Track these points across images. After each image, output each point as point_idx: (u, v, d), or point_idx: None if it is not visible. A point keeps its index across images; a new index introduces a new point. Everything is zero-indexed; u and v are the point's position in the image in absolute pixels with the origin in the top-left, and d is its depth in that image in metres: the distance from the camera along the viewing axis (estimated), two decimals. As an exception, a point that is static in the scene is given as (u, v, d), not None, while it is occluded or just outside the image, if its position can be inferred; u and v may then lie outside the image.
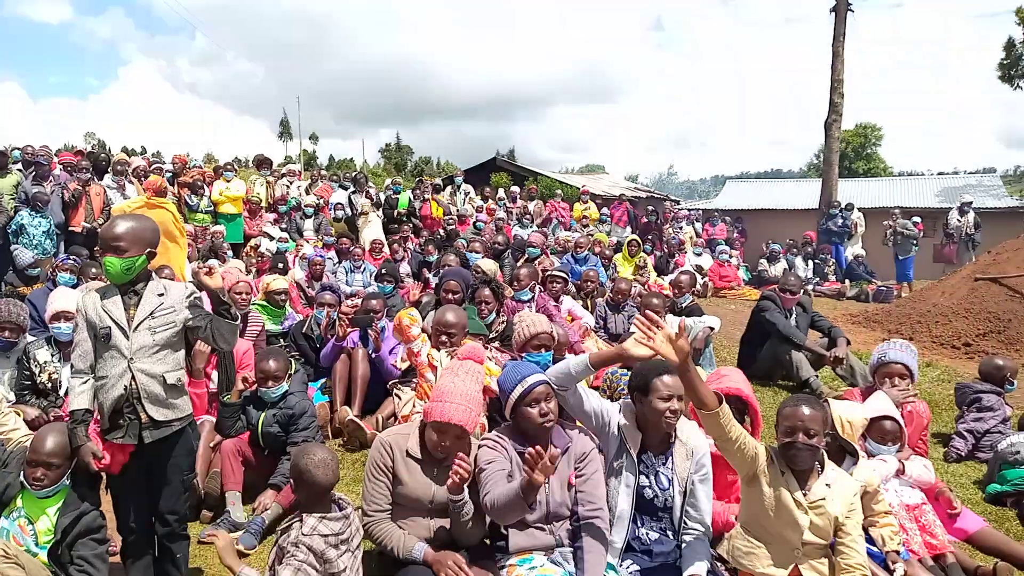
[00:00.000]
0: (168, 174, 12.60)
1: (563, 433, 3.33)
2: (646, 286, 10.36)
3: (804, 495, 3.07)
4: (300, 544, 2.90)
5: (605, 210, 16.48)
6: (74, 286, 6.81)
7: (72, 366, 3.12)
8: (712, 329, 6.26)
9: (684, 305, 7.17)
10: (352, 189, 13.94)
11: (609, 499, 3.30)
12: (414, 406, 4.59)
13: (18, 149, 11.90)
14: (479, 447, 3.34)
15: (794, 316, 6.81)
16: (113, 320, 3.09)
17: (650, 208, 18.92)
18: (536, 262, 9.15)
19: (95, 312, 3.09)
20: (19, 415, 4.77)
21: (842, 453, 3.82)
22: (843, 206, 17.01)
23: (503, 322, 6.04)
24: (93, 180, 10.58)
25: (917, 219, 15.62)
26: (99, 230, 3.15)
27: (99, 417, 3.18)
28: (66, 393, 4.99)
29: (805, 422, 3.00)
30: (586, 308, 7.77)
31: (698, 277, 7.45)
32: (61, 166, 10.90)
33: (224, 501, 4.36)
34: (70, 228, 10.09)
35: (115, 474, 3.20)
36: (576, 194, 17.65)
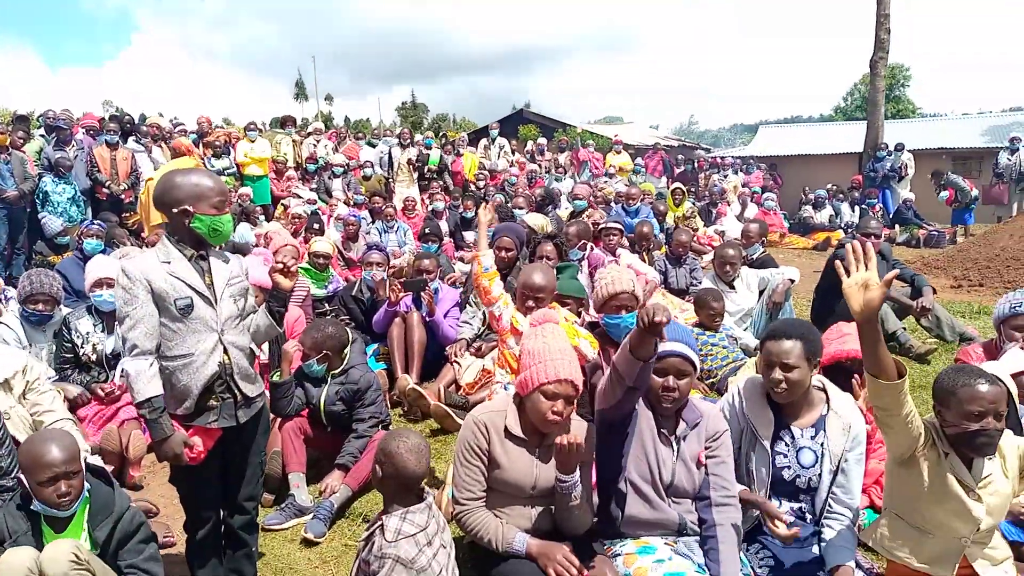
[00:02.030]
0: (193, 135, 12.25)
1: (694, 406, 2.94)
2: (695, 237, 9.86)
3: (970, 474, 2.63)
4: (387, 557, 2.53)
5: (639, 160, 15.89)
6: (102, 252, 6.49)
7: (131, 346, 2.66)
8: (792, 281, 5.80)
9: (756, 256, 6.68)
10: (395, 143, 13.46)
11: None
12: (487, 375, 4.20)
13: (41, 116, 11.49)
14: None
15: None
16: (193, 289, 2.70)
17: (680, 157, 18.29)
18: (585, 216, 8.67)
19: (164, 281, 2.66)
20: (57, 394, 4.47)
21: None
22: (894, 146, 16.23)
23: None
24: (120, 144, 10.27)
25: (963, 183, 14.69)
26: (203, 183, 2.75)
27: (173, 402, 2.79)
28: (122, 374, 4.66)
29: (996, 403, 2.52)
30: (643, 262, 7.30)
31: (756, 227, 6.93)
32: (83, 130, 10.50)
33: (286, 483, 4.03)
34: (96, 195, 9.81)
35: (194, 465, 2.80)
36: (608, 145, 17.04)
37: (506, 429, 2.88)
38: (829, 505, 2.93)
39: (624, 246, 7.48)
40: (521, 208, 8.59)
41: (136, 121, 11.39)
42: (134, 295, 2.65)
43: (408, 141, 13.74)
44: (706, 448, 2.89)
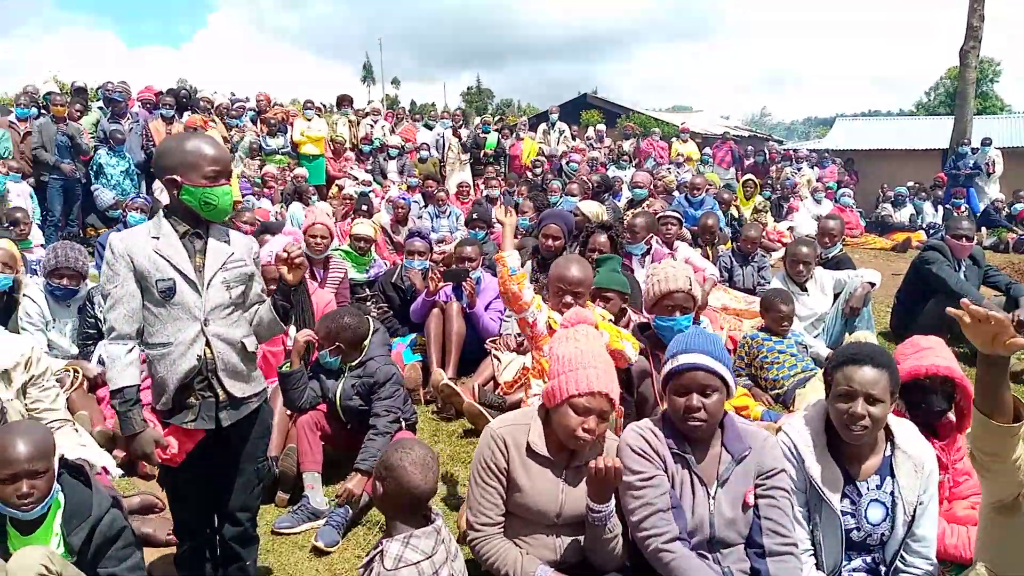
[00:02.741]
0: (252, 112, 12.16)
1: (739, 435, 2.49)
2: (764, 233, 9.24)
3: None
4: None
5: (707, 150, 15.22)
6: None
7: (109, 328, 2.42)
8: (872, 285, 5.23)
9: (831, 255, 6.10)
10: (445, 128, 13.17)
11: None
12: (525, 374, 3.81)
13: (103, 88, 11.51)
14: (623, 439, 2.55)
15: (963, 269, 5.67)
16: (177, 270, 2.41)
17: (751, 148, 17.48)
18: (645, 205, 8.18)
19: (147, 259, 2.39)
20: (77, 374, 4.27)
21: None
22: (980, 142, 15.14)
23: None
24: (176, 118, 10.23)
25: None
26: (196, 150, 2.44)
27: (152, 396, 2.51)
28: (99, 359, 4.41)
29: None
30: (706, 258, 6.78)
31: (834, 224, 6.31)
32: (139, 103, 10.48)
33: (302, 482, 3.72)
34: (151, 169, 9.78)
35: (175, 467, 2.54)
36: (673, 132, 16.39)
37: (528, 446, 2.49)
38: (902, 557, 2.47)
39: (684, 239, 6.99)
40: (574, 195, 8.12)
41: (191, 95, 11.30)
42: (115, 272, 2.40)
43: (460, 123, 13.41)
44: (756, 486, 2.44)
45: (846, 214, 12.53)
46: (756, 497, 2.43)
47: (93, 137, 9.47)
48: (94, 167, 9.03)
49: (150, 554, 3.17)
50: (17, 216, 6.51)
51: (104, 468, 3.40)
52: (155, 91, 10.95)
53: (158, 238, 2.43)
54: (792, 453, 2.57)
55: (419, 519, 2.35)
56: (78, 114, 9.46)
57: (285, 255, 2.55)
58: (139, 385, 2.43)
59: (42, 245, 7.36)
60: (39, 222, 8.18)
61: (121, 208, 7.94)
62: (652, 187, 9.64)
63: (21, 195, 8.24)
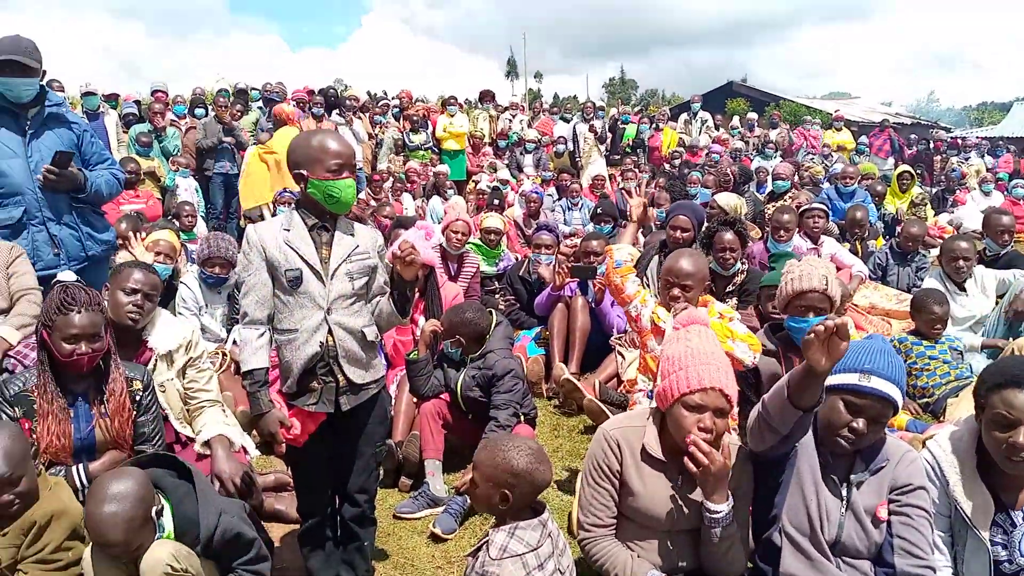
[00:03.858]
0: (395, 109, 12.61)
1: (876, 445, 2.30)
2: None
3: None
4: None
5: (863, 139, 14.26)
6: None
7: (243, 313, 2.58)
8: (1043, 287, 4.70)
9: (1003, 253, 5.51)
10: (576, 120, 13.13)
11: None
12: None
13: (256, 89, 12.30)
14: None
15: None
16: (304, 261, 2.53)
17: (913, 136, 16.20)
18: (788, 197, 7.76)
19: (278, 249, 2.52)
20: (225, 356, 4.58)
21: None
22: None
23: (745, 271, 4.96)
24: (325, 116, 10.78)
25: None
26: (321, 145, 2.56)
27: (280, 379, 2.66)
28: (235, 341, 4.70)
29: None
30: (854, 254, 6.35)
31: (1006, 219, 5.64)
32: (294, 103, 11.12)
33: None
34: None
35: (298, 447, 2.67)
36: (827, 120, 15.47)
37: (643, 449, 2.41)
38: None
39: (831, 233, 6.58)
40: (708, 187, 7.83)
41: (339, 94, 11.88)
42: (250, 260, 2.55)
43: (591, 115, 13.29)
44: (890, 502, 2.24)
45: (1019, 207, 11.37)
46: (889, 514, 2.24)
47: (252, 136, 10.15)
48: (253, 163, 9.67)
49: (280, 529, 3.39)
50: (184, 209, 7.10)
51: (243, 448, 3.63)
52: (308, 90, 11.61)
53: (289, 230, 2.56)
54: (936, 473, 2.35)
55: (527, 511, 2.34)
56: (239, 113, 10.16)
57: (400, 252, 2.60)
58: (267, 368, 2.55)
59: (207, 236, 7.99)
60: (203, 215, 8.88)
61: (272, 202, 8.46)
62: (796, 178, 9.13)
63: (188, 190, 9.01)
